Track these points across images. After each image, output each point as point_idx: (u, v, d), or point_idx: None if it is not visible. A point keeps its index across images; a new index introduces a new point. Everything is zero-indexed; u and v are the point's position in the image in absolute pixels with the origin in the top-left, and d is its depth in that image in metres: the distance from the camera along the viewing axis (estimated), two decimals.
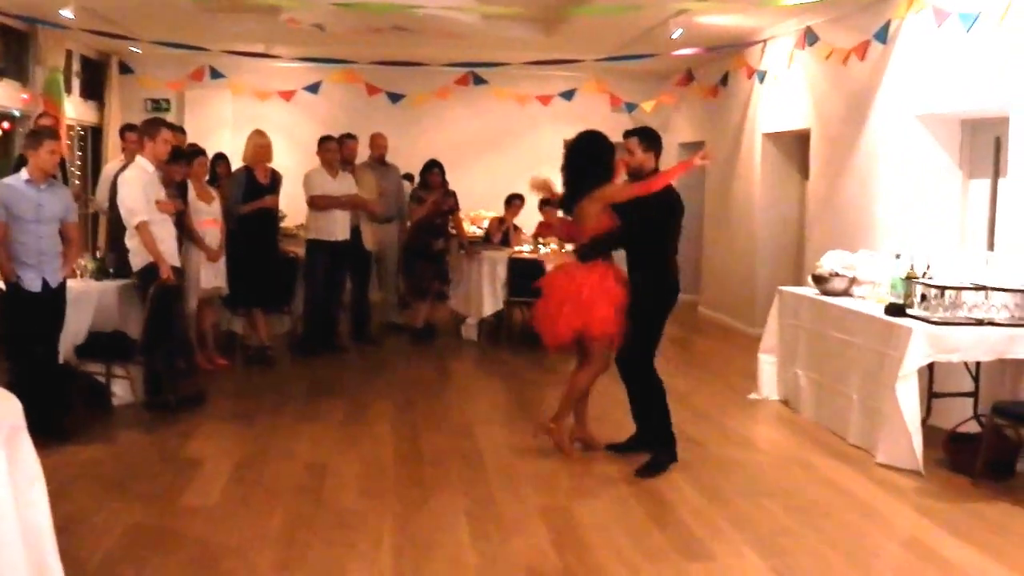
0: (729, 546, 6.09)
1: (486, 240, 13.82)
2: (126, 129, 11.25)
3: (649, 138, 7.64)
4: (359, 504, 6.67)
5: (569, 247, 12.71)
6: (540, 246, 12.88)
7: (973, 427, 8.00)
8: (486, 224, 14.67)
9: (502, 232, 13.75)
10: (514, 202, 13.74)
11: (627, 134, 7.69)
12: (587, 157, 7.61)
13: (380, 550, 5.86)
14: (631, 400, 7.83)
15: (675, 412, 7.78)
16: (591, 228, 7.46)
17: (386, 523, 6.31)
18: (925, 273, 8.39)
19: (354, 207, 12.07)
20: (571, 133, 17.69)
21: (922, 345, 7.63)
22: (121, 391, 9.04)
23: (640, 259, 7.51)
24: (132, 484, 6.99)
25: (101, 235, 12.77)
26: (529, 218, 14.38)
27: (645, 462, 7.42)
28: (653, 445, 7.58)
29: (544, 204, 13.49)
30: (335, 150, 11.99)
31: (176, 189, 9.87)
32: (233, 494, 6.82)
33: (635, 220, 7.36)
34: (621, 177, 7.67)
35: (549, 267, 9.07)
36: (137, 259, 9.05)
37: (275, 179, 11.39)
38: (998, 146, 9.36)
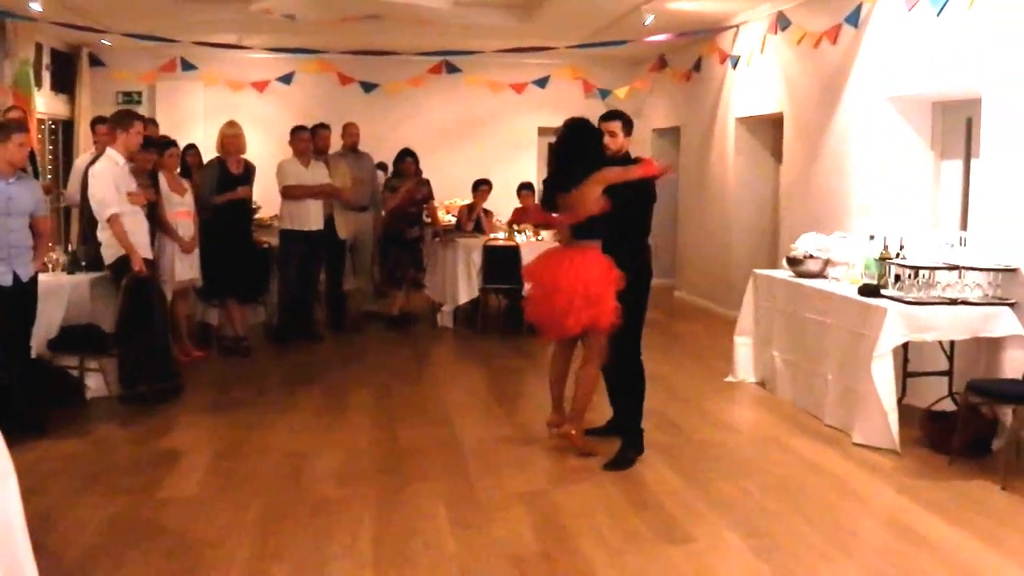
0: (709, 528, 6.10)
1: (458, 228, 13.80)
2: (97, 122, 11.22)
3: (629, 122, 7.64)
4: (337, 493, 6.65)
5: (545, 234, 12.82)
6: (516, 233, 12.86)
7: (948, 405, 8.05)
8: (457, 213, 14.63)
9: (474, 219, 13.73)
10: (481, 187, 13.75)
11: (608, 116, 7.66)
12: (582, 142, 7.56)
13: (359, 539, 5.84)
14: (609, 385, 7.82)
15: (652, 395, 7.77)
16: (592, 210, 7.37)
17: (365, 511, 6.29)
18: (899, 254, 8.43)
19: (327, 196, 12.05)
20: (545, 120, 18.02)
21: (897, 325, 7.67)
22: (95, 384, 8.99)
23: (626, 241, 7.46)
24: (108, 477, 6.95)
25: (73, 228, 12.70)
26: (501, 204, 14.41)
27: (613, 457, 7.36)
28: (622, 434, 7.56)
29: (522, 189, 13.51)
30: (307, 140, 11.97)
31: (148, 180, 9.83)
32: (211, 485, 6.80)
33: (629, 201, 7.33)
34: None
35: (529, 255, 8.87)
36: (109, 252, 9.01)
37: (248, 170, 11.34)
38: (969, 127, 9.39)
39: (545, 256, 7.81)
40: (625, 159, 7.54)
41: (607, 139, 7.49)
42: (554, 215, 7.67)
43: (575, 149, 7.50)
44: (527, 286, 8.12)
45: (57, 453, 7.48)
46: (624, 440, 7.47)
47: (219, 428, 8.30)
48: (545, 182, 7.95)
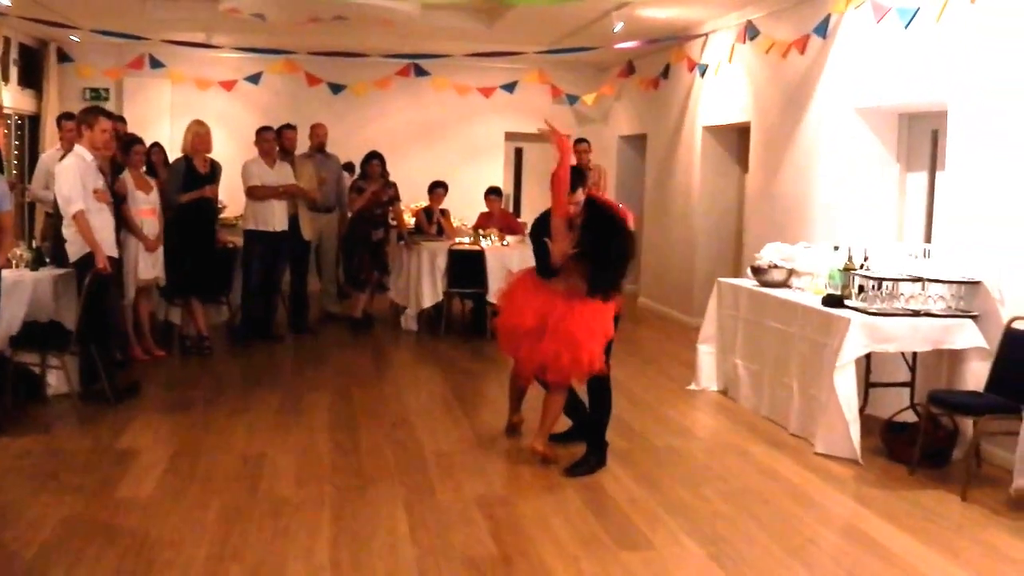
0: (667, 534, 6.11)
1: (419, 231, 13.77)
2: (63, 118, 11.15)
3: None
4: (296, 494, 6.62)
5: (510, 238, 12.84)
6: (481, 237, 12.86)
7: (910, 416, 8.09)
8: (414, 216, 14.60)
9: (436, 222, 13.73)
10: (437, 190, 13.79)
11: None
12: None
13: (318, 540, 5.81)
14: (570, 396, 7.77)
15: (614, 402, 7.74)
16: (564, 250, 7.28)
17: (323, 513, 6.27)
18: (863, 265, 8.48)
19: (292, 196, 12.01)
20: (512, 125, 18.02)
21: (859, 335, 7.71)
22: (56, 381, 8.91)
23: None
24: (66, 476, 6.89)
25: (38, 224, 12.61)
26: (468, 207, 14.42)
27: (575, 461, 7.35)
28: (587, 443, 7.53)
29: (489, 193, 13.53)
30: (272, 140, 11.95)
31: (114, 175, 9.77)
32: (169, 485, 6.75)
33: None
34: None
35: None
36: (74, 248, 8.93)
37: (214, 169, 11.31)
38: (935, 139, 9.44)
39: (532, 288, 7.53)
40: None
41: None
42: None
43: None
44: (501, 308, 7.91)
45: (15, 450, 7.42)
46: (588, 448, 7.45)
47: (178, 428, 8.26)
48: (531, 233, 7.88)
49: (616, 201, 7.83)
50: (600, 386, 7.50)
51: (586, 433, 7.60)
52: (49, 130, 15.14)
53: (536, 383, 7.70)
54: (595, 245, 7.19)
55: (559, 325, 7.18)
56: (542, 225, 7.47)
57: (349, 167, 14.46)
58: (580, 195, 7.30)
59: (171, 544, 5.70)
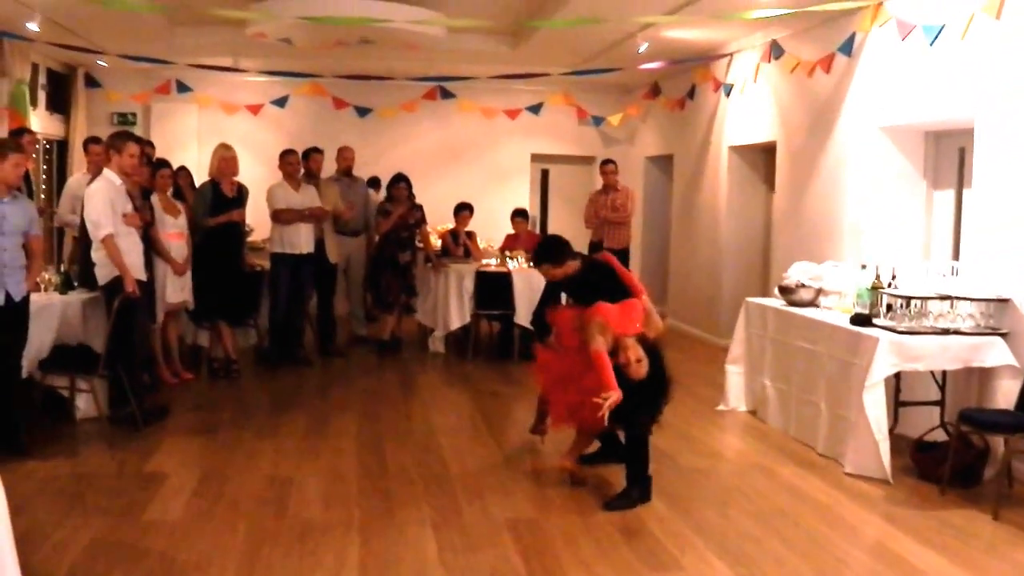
0: (696, 556, 6.08)
1: (446, 253, 13.78)
2: (90, 141, 11.18)
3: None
4: (324, 518, 6.61)
5: None
6: (508, 259, 12.85)
7: (940, 435, 8.03)
8: (440, 238, 14.60)
9: (462, 244, 13.73)
10: (463, 212, 13.80)
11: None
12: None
13: (345, 564, 5.81)
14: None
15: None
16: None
17: (351, 537, 6.26)
18: (891, 283, 8.42)
19: (317, 220, 12.03)
20: (538, 147, 18.08)
21: (888, 354, 7.67)
22: (85, 405, 8.94)
23: None
24: (94, 498, 6.91)
25: (66, 248, 12.67)
26: (494, 230, 14.43)
27: (617, 494, 7.13)
28: (628, 475, 7.23)
29: (515, 215, 13.53)
30: (296, 163, 11.99)
31: (143, 201, 9.82)
32: (196, 508, 6.76)
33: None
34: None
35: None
36: (103, 272, 8.95)
37: (241, 192, 11.35)
38: (962, 157, 9.40)
39: (569, 332, 7.43)
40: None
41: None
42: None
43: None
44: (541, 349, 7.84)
45: (43, 473, 7.44)
46: (629, 481, 7.17)
47: (205, 451, 8.27)
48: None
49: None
50: (637, 426, 7.24)
51: (627, 468, 7.27)
52: (77, 155, 15.23)
53: None
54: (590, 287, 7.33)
55: (585, 377, 7.06)
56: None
57: (373, 182, 14.49)
58: (576, 263, 7.52)
59: (198, 567, 5.70)
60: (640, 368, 6.90)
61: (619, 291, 7.31)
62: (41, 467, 7.58)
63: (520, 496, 7.26)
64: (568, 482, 7.44)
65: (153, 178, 10.24)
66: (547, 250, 7.63)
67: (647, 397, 7.10)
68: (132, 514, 6.60)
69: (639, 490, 7.14)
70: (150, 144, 11.95)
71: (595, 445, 7.88)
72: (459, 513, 6.78)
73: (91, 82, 16.80)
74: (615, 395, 6.67)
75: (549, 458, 8.04)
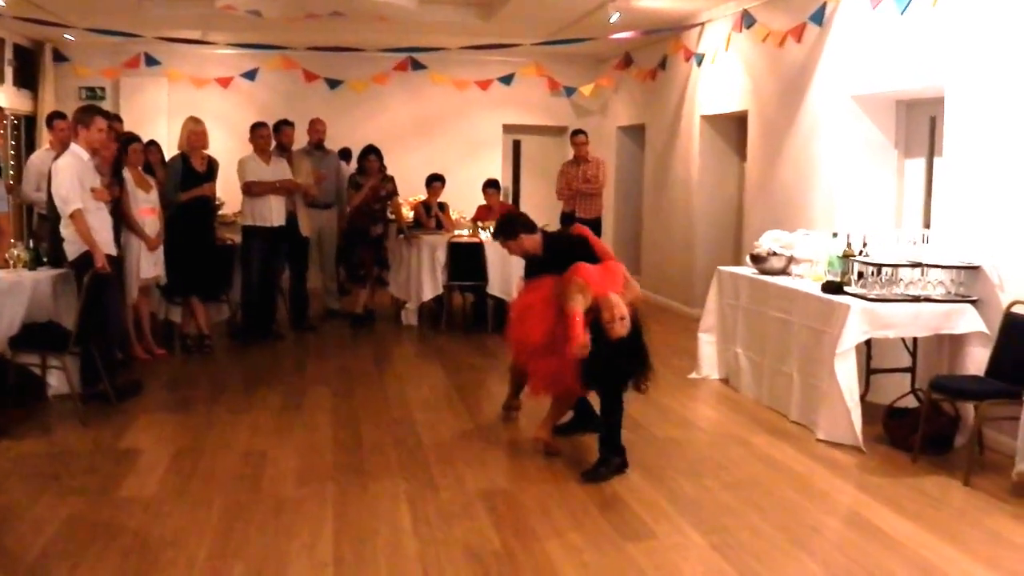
0: (670, 525, 6.11)
1: (417, 225, 13.73)
2: (54, 117, 11.07)
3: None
4: (298, 492, 6.61)
5: None
6: (480, 230, 12.84)
7: (911, 402, 8.08)
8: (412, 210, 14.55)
9: (434, 216, 13.69)
10: (434, 183, 13.74)
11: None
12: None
13: (320, 538, 5.81)
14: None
15: None
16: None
17: (325, 510, 6.26)
18: (862, 251, 8.46)
19: (288, 192, 11.98)
20: (510, 118, 18.03)
21: (859, 322, 7.70)
22: (57, 382, 8.89)
23: None
24: (68, 476, 6.89)
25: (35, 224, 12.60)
26: (466, 201, 14.40)
27: (593, 465, 7.11)
28: (601, 447, 7.20)
29: (487, 186, 13.50)
30: (267, 136, 11.93)
31: (113, 176, 9.75)
32: (171, 484, 6.74)
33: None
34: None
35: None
36: (71, 248, 8.89)
37: (212, 166, 11.28)
38: (933, 125, 9.43)
39: (544, 303, 7.39)
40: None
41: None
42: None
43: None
44: (512, 319, 7.84)
45: (16, 452, 7.42)
46: (603, 452, 7.13)
47: (179, 427, 8.26)
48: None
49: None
50: (612, 391, 7.26)
51: (600, 439, 7.24)
52: (45, 131, 15.09)
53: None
54: (559, 258, 7.34)
55: (564, 344, 7.00)
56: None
57: (344, 153, 14.44)
58: (536, 237, 7.68)
59: (174, 543, 5.70)
60: (623, 326, 6.89)
61: (594, 262, 7.31)
62: (14, 446, 7.55)
63: (494, 467, 7.28)
64: (543, 453, 7.46)
65: (124, 153, 10.16)
66: (500, 225, 7.94)
67: (624, 359, 7.11)
68: (107, 491, 6.59)
69: (618, 460, 7.14)
70: (118, 119, 11.85)
71: (569, 415, 7.90)
72: (434, 486, 6.79)
73: (59, 57, 16.67)
74: (582, 341, 6.78)
75: (523, 430, 8.07)
